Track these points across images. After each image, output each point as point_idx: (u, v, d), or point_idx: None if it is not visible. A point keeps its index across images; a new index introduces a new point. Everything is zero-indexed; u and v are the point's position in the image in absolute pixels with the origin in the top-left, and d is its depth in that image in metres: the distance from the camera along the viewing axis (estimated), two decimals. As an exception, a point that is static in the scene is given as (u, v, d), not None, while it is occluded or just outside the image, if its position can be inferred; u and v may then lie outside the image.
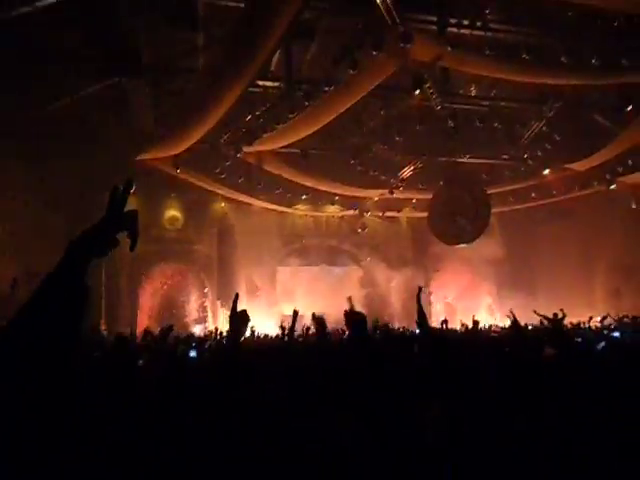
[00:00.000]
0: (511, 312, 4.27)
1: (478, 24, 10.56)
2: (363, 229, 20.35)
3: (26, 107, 13.36)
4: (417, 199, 18.78)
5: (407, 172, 16.99)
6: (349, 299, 4.01)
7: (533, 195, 18.22)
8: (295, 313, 4.84)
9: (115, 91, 12.81)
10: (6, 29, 10.31)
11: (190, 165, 14.60)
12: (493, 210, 17.97)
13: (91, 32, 11.23)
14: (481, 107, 14.16)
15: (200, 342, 5.20)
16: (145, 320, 16.76)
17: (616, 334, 8.24)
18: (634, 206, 17.35)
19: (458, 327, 13.05)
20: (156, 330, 8.41)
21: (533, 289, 19.77)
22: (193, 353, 5.30)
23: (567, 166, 16.23)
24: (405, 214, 20.36)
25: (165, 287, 18.11)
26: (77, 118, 13.53)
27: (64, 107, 13.20)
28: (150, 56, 12.19)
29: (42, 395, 1.09)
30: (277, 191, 17.09)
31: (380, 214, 19.92)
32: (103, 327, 14.88)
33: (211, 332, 12.12)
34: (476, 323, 6.24)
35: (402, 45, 10.31)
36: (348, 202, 18.71)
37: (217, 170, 14.86)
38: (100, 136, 13.64)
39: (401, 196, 18.18)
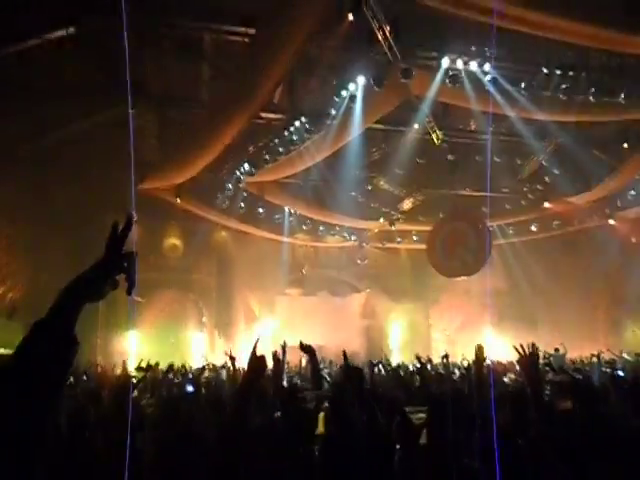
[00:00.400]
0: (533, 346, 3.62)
1: (478, 60, 10.73)
2: (363, 260, 20.34)
3: (32, 135, 13.57)
4: (417, 231, 18.85)
5: (407, 204, 17.09)
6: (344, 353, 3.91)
7: (533, 228, 18.28)
8: (283, 348, 4.71)
9: (119, 120, 13.00)
10: (16, 61, 10.54)
11: (192, 194, 14.69)
12: (494, 242, 18.01)
13: (97, 62, 11.48)
14: (480, 141, 14.34)
15: (197, 375, 5.11)
16: (142, 349, 16.59)
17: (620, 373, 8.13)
18: (634, 240, 17.40)
19: (459, 360, 12.89)
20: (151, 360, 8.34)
21: (534, 322, 19.63)
22: (190, 388, 5.19)
23: (567, 199, 16.34)
24: (405, 246, 20.38)
25: (163, 315, 17.99)
26: (81, 146, 13.71)
27: (68, 135, 13.40)
28: (156, 86, 12.43)
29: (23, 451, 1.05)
30: (277, 221, 17.18)
31: (380, 245, 19.95)
32: (98, 361, 14.66)
33: (208, 365, 12.00)
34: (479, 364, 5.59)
35: (403, 80, 10.52)
36: (348, 233, 18.77)
37: (218, 199, 14.95)
38: (103, 164, 13.79)
39: (401, 228, 18.25)
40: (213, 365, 12.34)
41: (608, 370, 8.75)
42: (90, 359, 15.33)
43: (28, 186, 14.85)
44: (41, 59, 10.74)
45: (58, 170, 14.56)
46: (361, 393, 2.94)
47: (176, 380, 7.37)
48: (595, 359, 9.45)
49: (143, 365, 6.40)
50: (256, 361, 2.34)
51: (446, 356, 7.16)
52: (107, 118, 12.67)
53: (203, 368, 5.31)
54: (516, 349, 2.79)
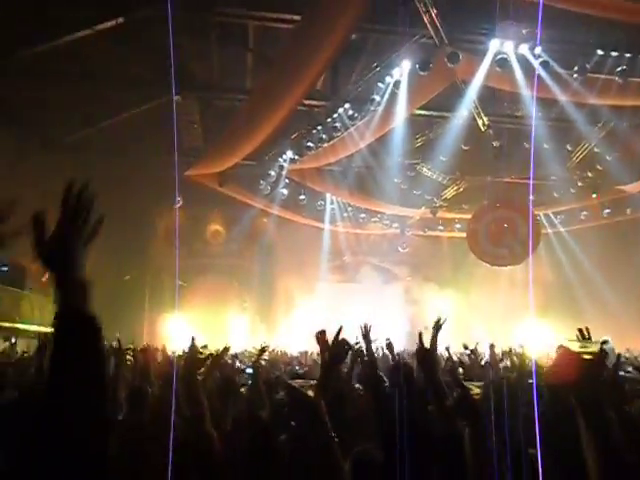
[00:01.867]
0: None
1: (528, 43, 10.36)
2: (404, 248, 20.18)
3: (80, 124, 14.00)
4: (460, 219, 18.52)
5: (451, 192, 16.80)
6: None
7: (582, 217, 17.69)
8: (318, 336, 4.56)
9: (165, 108, 13.26)
10: (66, 51, 10.85)
11: (235, 181, 14.87)
12: (542, 232, 17.55)
13: (144, 51, 11.70)
14: (528, 127, 13.90)
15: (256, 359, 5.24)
16: (186, 333, 17.01)
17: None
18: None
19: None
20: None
21: (580, 313, 19.06)
22: (250, 370, 5.37)
23: (619, 187, 15.70)
24: (447, 234, 20.08)
25: (206, 300, 18.37)
26: (128, 133, 14.06)
27: (116, 124, 13.75)
28: (200, 75, 12.57)
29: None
30: (319, 207, 17.20)
31: (422, 233, 19.73)
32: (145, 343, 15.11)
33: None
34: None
35: (449, 65, 10.29)
36: (390, 220, 18.63)
37: (261, 186, 15.08)
38: (149, 151, 14.10)
39: (444, 216, 17.98)
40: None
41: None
42: (136, 341, 15.86)
43: (78, 174, 15.30)
44: (91, 49, 11.03)
45: (105, 158, 14.99)
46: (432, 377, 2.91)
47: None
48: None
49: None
50: (338, 347, 2.40)
51: (492, 346, 7.03)
52: (153, 106, 12.95)
53: (263, 350, 5.39)
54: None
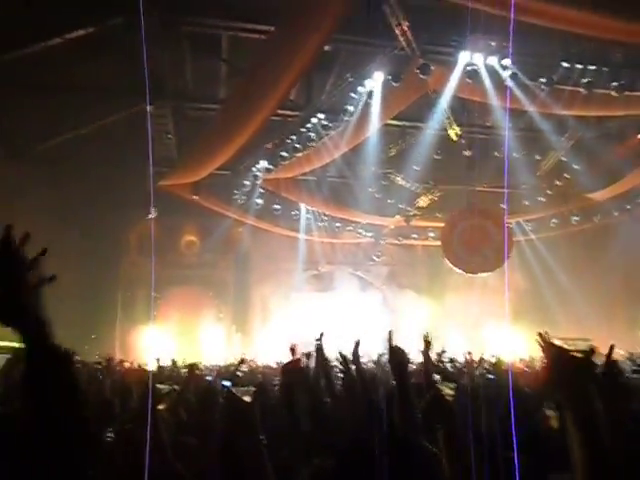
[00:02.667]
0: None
1: (497, 55, 10.62)
2: (379, 256, 20.30)
3: (50, 133, 13.77)
4: (434, 227, 18.75)
5: (424, 201, 17.01)
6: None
7: (552, 225, 18.09)
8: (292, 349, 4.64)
9: (138, 118, 13.14)
10: (36, 59, 10.68)
11: (209, 191, 14.79)
12: (514, 240, 17.90)
13: (116, 61, 11.60)
14: (498, 136, 14.21)
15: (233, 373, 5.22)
16: (160, 344, 16.76)
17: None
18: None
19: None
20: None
21: (553, 318, 19.42)
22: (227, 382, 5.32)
23: (587, 195, 16.13)
24: (421, 242, 20.29)
25: (180, 311, 18.16)
26: (99, 143, 13.88)
27: (87, 133, 13.57)
28: (174, 84, 12.51)
29: None
30: (294, 217, 17.22)
31: (396, 241, 19.89)
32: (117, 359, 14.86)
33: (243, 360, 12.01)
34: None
35: (421, 76, 10.47)
36: (364, 229, 18.74)
37: (235, 196, 15.03)
38: (121, 161, 13.94)
39: (418, 224, 18.17)
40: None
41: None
42: (109, 353, 15.55)
43: (44, 185, 15.06)
44: (61, 58, 10.88)
45: (76, 167, 14.75)
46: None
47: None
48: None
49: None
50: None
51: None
52: (125, 116, 12.82)
53: (242, 361, 5.38)
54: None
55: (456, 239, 16.12)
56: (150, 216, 14.23)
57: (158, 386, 2.99)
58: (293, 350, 4.48)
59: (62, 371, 1.11)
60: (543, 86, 10.79)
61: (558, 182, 15.91)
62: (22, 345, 1.12)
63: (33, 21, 9.98)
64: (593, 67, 10.66)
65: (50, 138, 13.86)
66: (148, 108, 11.93)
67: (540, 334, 1.74)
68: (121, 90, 11.96)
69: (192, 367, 4.40)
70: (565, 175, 15.54)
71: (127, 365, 10.24)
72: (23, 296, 1.13)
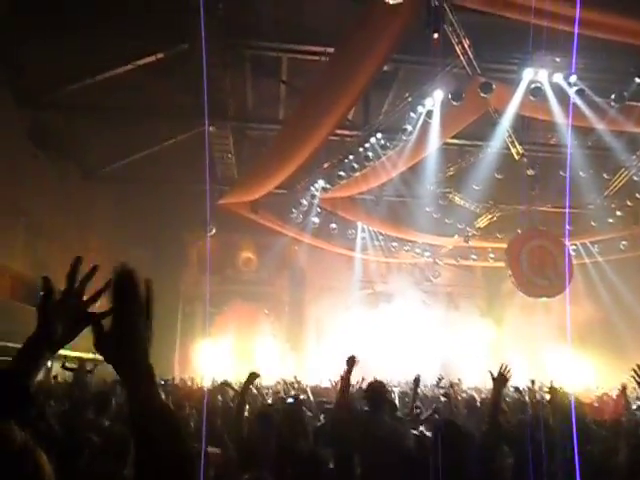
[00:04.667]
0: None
1: (563, 72, 10.28)
2: (436, 277, 19.90)
3: (118, 154, 14.48)
4: (493, 248, 18.20)
5: (484, 221, 16.57)
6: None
7: (622, 247, 17.17)
8: (349, 362, 4.38)
9: (200, 139, 13.60)
10: (109, 85, 11.29)
11: (267, 209, 15.02)
12: (579, 262, 17.05)
13: (182, 85, 12.08)
14: (562, 155, 13.68)
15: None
16: (216, 359, 17.03)
17: None
18: None
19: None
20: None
21: (621, 346, 18.32)
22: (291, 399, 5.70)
23: (659, 217, 15.24)
24: (480, 263, 19.73)
25: (237, 327, 18.42)
26: (164, 163, 14.44)
27: (153, 154, 14.16)
28: (235, 106, 12.87)
29: None
30: (350, 236, 17.18)
31: (454, 262, 19.44)
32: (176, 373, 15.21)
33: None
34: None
35: (482, 95, 10.27)
36: (421, 249, 18.45)
37: (293, 215, 15.18)
38: (184, 180, 14.43)
39: (477, 245, 17.70)
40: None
41: None
42: (169, 367, 15.98)
43: (115, 202, 15.79)
44: (131, 83, 11.45)
45: (142, 186, 15.41)
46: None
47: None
48: None
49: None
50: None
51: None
52: (189, 137, 13.30)
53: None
54: None
55: (524, 260, 15.41)
56: (209, 233, 14.59)
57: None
58: (352, 362, 4.28)
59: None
60: (613, 102, 10.32)
61: (629, 202, 15.11)
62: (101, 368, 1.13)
63: (105, 49, 10.58)
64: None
65: (119, 159, 14.58)
66: (208, 128, 12.35)
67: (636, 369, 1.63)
68: (186, 112, 12.42)
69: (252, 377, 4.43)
70: (637, 195, 14.73)
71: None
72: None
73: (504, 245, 17.08)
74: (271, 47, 11.21)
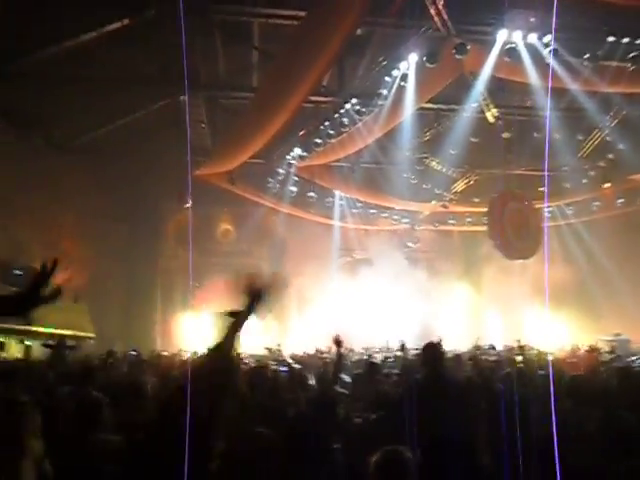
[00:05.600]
0: None
1: (537, 32, 10.21)
2: (415, 243, 20.04)
3: (90, 126, 14.07)
4: (471, 213, 18.37)
5: (461, 185, 16.65)
6: None
7: (594, 208, 17.47)
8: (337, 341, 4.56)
9: (172, 109, 13.27)
10: (73, 54, 10.89)
11: (243, 179, 14.86)
12: (554, 224, 17.33)
13: (149, 52, 11.71)
14: (538, 117, 13.74)
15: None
16: (196, 332, 17.05)
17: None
18: None
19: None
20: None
21: (595, 306, 18.83)
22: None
23: (632, 177, 15.48)
24: (458, 228, 19.92)
25: (218, 300, 18.38)
26: (135, 134, 14.11)
27: (124, 124, 13.80)
28: (206, 73, 12.56)
29: None
30: (328, 204, 17.16)
31: (432, 227, 19.59)
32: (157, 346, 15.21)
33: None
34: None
35: (457, 56, 10.18)
36: (400, 215, 18.53)
37: (270, 184, 15.05)
38: (157, 151, 14.14)
39: (455, 210, 17.83)
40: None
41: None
42: (150, 338, 16.01)
43: (85, 175, 15.43)
44: (97, 51, 11.05)
45: (113, 158, 15.04)
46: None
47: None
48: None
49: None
50: None
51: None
52: (158, 107, 12.97)
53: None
54: None
55: (505, 223, 15.47)
56: (186, 205, 14.41)
57: None
58: (338, 342, 4.45)
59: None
60: (587, 63, 10.32)
61: (602, 163, 15.31)
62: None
63: (69, 16, 10.16)
64: (640, 41, 10.14)
65: (88, 129, 14.17)
66: (184, 98, 12.07)
67: None
68: (156, 81, 12.08)
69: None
70: (609, 156, 14.93)
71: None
72: None
73: (481, 209, 17.25)
74: (241, 11, 10.90)
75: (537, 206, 15.58)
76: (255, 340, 16.53)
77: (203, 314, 18.14)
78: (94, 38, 10.69)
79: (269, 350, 12.35)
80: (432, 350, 3.95)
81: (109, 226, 14.53)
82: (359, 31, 10.85)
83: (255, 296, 1.75)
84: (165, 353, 11.80)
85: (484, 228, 17.75)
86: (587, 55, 10.27)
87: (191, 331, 17.40)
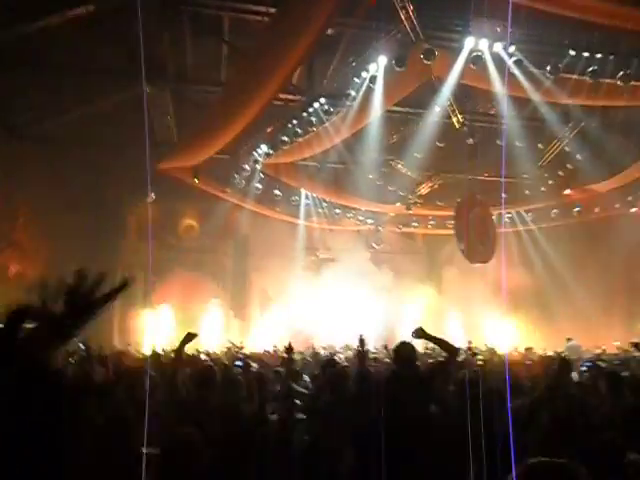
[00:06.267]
0: None
1: (502, 42, 10.45)
2: (379, 244, 20.23)
3: (48, 114, 13.62)
4: (434, 215, 18.67)
5: (425, 188, 16.89)
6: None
7: (553, 215, 18.01)
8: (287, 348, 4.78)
9: (136, 100, 12.98)
10: (34, 37, 10.52)
11: (208, 175, 14.68)
12: (513, 229, 17.79)
13: (116, 42, 11.42)
14: (501, 125, 14.06)
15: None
16: (157, 328, 16.78)
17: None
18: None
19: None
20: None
21: (551, 310, 19.40)
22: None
23: (589, 186, 16.02)
24: (422, 230, 20.21)
25: (179, 295, 18.13)
26: (98, 125, 13.74)
27: (85, 114, 13.43)
28: (173, 66, 12.35)
29: None
30: (293, 203, 17.13)
31: (397, 229, 19.81)
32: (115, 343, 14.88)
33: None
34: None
35: (425, 61, 10.31)
36: (365, 216, 18.67)
37: (235, 180, 14.92)
38: (120, 144, 13.81)
39: (419, 212, 18.08)
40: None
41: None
42: (108, 337, 15.60)
43: (43, 165, 14.95)
44: (61, 37, 10.71)
45: (73, 149, 14.63)
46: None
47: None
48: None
49: None
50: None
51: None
52: (124, 98, 12.67)
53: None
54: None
55: (470, 228, 15.78)
56: (149, 199, 14.13)
57: None
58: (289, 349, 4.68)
59: None
60: (549, 74, 10.62)
61: (561, 172, 15.79)
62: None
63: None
64: (600, 56, 10.49)
65: (50, 118, 13.73)
66: (146, 90, 11.82)
67: None
68: (122, 71, 11.80)
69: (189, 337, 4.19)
70: (568, 165, 15.41)
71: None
72: None
73: (444, 213, 17.57)
74: (211, 4, 10.75)
75: (494, 212, 15.98)
76: (216, 339, 16.47)
77: (163, 310, 17.87)
78: (55, 23, 10.34)
79: (228, 349, 12.25)
80: (406, 348, 4.06)
81: (68, 217, 14.10)
82: (329, 31, 10.86)
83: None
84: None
85: (447, 231, 18.12)
86: (549, 67, 10.56)
87: (150, 327, 17.09)
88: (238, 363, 6.16)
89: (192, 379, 4.06)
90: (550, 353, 10.81)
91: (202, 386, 3.88)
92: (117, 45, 11.41)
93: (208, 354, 9.98)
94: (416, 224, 19.44)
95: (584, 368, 6.17)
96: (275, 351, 12.02)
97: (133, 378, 4.30)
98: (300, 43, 9.36)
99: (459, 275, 20.05)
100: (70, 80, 12.34)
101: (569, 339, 13.42)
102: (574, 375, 5.66)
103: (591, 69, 10.51)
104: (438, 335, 4.36)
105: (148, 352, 10.05)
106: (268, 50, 9.67)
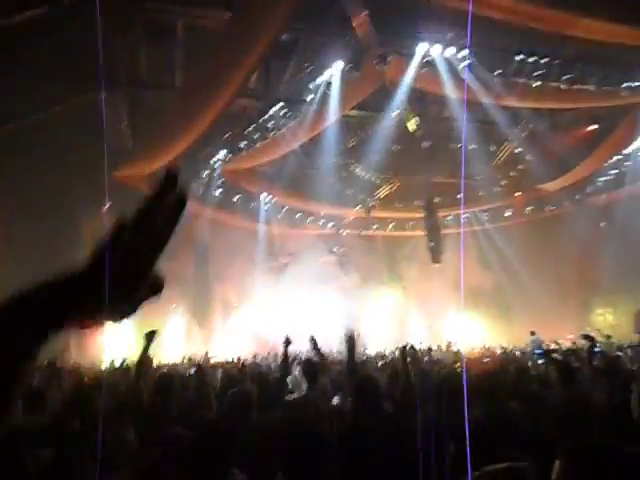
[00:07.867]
0: None
1: (454, 47, 10.76)
2: (339, 247, 20.37)
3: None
4: (393, 218, 18.96)
5: (384, 191, 17.15)
6: None
7: (507, 214, 18.58)
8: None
9: (90, 105, 12.68)
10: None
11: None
12: (470, 229, 18.31)
13: (67, 46, 11.14)
14: (455, 128, 14.42)
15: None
16: (117, 339, 16.37)
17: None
18: (602, 224, 17.80)
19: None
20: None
21: (509, 306, 19.96)
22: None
23: (539, 186, 16.61)
24: (381, 232, 20.47)
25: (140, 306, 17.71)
26: (51, 131, 13.34)
27: (39, 119, 13.03)
28: (128, 72, 12.14)
29: None
30: (253, 208, 17.07)
31: (357, 232, 20.00)
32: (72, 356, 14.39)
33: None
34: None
35: (379, 66, 10.50)
36: (325, 220, 18.78)
37: (193, 187, 14.75)
38: (74, 150, 13.45)
39: (378, 215, 18.32)
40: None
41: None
42: (63, 349, 15.09)
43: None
44: (11, 39, 10.37)
45: (27, 155, 14.15)
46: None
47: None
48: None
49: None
50: None
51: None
52: (78, 103, 12.37)
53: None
54: None
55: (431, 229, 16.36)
56: (105, 208, 13.81)
57: None
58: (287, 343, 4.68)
59: None
60: (498, 78, 11.00)
61: (512, 173, 16.32)
62: None
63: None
64: (545, 60, 10.92)
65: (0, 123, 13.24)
66: (102, 96, 11.57)
67: None
68: (75, 75, 11.50)
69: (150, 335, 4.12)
70: (519, 166, 15.95)
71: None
72: None
73: (403, 214, 17.90)
74: (165, 9, 10.64)
75: (452, 213, 16.46)
76: (177, 349, 16.19)
77: (121, 322, 17.43)
78: (7, 25, 10.01)
79: (190, 359, 12.08)
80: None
81: (19, 226, 13.61)
82: (285, 36, 10.92)
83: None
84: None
85: (406, 233, 18.47)
86: (499, 71, 10.94)
87: (109, 338, 16.64)
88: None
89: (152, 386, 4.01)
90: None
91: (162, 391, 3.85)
92: (69, 48, 11.14)
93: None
94: (376, 226, 19.69)
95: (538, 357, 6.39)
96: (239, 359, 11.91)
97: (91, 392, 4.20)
98: (256, 47, 9.38)
99: (419, 275, 20.40)
100: (21, 84, 11.96)
101: (533, 332, 13.81)
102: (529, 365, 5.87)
103: (537, 73, 10.94)
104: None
105: (106, 366, 9.84)
106: (223, 54, 9.65)
